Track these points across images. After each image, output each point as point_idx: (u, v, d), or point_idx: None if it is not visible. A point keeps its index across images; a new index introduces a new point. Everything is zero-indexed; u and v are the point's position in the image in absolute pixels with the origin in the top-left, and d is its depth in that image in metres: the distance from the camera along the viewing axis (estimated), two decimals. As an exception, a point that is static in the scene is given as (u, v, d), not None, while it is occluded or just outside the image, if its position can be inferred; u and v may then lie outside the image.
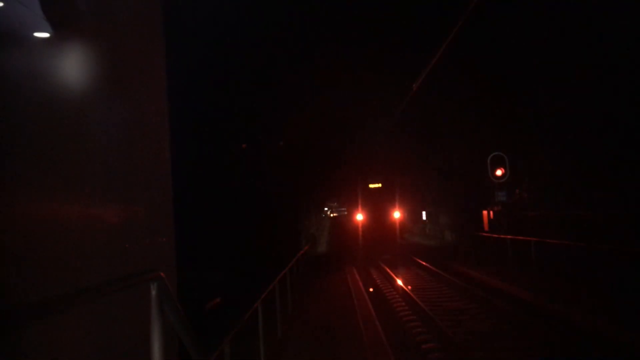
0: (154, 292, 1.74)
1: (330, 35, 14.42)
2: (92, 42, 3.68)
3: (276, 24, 12.50)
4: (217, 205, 11.56)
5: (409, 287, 12.95)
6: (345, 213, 35.97)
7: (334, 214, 48.99)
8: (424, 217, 35.59)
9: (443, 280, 13.74)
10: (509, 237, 14.07)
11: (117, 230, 3.76)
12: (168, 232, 4.63)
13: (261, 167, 16.34)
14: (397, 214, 27.26)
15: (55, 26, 2.71)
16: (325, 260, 20.80)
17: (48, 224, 3.00)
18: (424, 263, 17.40)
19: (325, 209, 49.79)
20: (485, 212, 17.18)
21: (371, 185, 28.02)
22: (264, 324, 6.14)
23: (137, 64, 4.47)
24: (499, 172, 16.29)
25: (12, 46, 2.85)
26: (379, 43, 15.36)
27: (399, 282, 13.98)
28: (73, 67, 3.44)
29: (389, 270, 16.51)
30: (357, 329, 7.90)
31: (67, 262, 3.10)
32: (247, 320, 5.66)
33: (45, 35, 2.68)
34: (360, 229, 26.71)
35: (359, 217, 27.20)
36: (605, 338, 7.16)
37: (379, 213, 26.76)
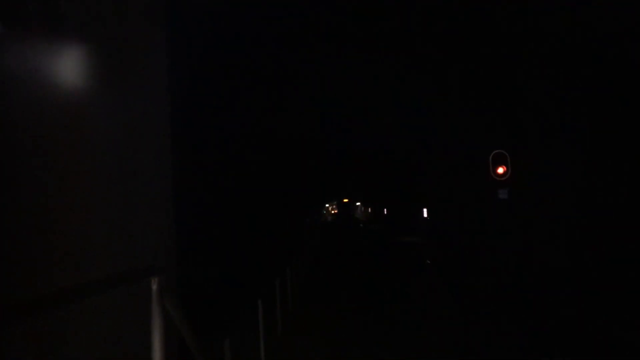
0: (154, 288, 1.73)
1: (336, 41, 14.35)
2: (96, 42, 3.67)
3: (280, 24, 12.44)
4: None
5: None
6: (337, 209, 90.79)
7: (335, 211, 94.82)
8: (425, 215, 37.66)
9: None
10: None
11: (119, 226, 3.76)
12: (169, 229, 4.63)
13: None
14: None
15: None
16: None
17: (50, 220, 3.00)
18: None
19: (327, 205, 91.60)
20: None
21: (344, 200, 78.90)
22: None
23: (138, 65, 4.45)
24: (500, 170, 16.27)
25: (13, 46, 2.84)
26: (376, 43, 15.28)
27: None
28: (76, 68, 3.43)
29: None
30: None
31: (70, 258, 3.10)
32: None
33: None
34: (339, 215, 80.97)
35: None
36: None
37: (348, 210, 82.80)
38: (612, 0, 10.18)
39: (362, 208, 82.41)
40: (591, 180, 12.36)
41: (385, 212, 62.25)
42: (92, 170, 3.50)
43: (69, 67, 3.37)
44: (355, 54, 15.96)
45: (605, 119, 11.77)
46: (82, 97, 3.44)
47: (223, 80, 12.37)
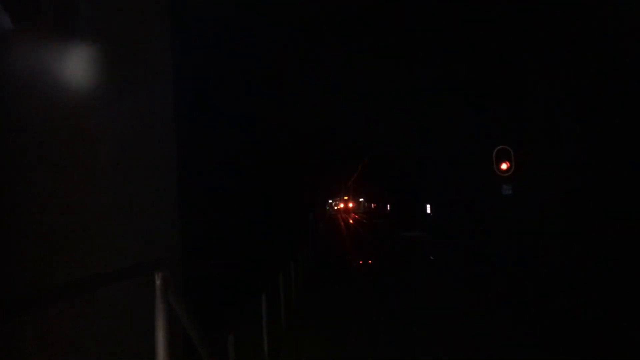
0: (158, 282, 1.73)
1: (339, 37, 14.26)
2: (103, 42, 3.66)
3: (284, 24, 12.39)
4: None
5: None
6: (338, 205, 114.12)
7: (337, 207, 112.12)
8: (429, 211, 37.48)
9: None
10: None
11: (124, 222, 3.76)
12: (174, 224, 4.63)
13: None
14: (351, 205, 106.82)
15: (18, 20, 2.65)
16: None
17: (56, 215, 3.00)
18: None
19: (330, 201, 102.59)
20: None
21: (345, 197, 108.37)
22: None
23: (144, 63, 4.45)
24: (504, 166, 16.22)
25: (19, 45, 2.83)
26: (374, 40, 15.21)
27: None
28: (83, 66, 3.43)
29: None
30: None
31: (75, 252, 3.11)
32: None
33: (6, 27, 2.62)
34: (341, 208, 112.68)
35: (341, 205, 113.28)
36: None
37: (347, 205, 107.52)
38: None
39: (365, 204, 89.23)
40: (595, 175, 12.30)
41: (389, 208, 61.85)
42: (98, 166, 3.50)
43: (77, 64, 3.37)
44: (357, 48, 15.91)
45: (609, 114, 11.70)
46: (89, 95, 3.44)
47: (227, 78, 12.37)
